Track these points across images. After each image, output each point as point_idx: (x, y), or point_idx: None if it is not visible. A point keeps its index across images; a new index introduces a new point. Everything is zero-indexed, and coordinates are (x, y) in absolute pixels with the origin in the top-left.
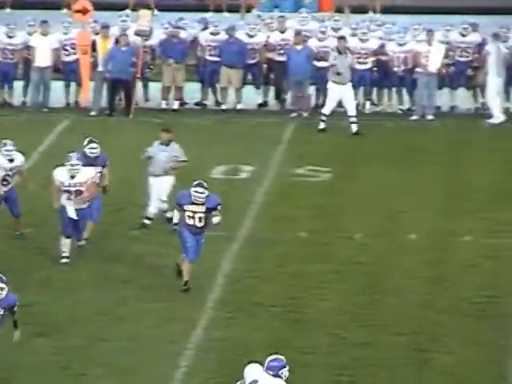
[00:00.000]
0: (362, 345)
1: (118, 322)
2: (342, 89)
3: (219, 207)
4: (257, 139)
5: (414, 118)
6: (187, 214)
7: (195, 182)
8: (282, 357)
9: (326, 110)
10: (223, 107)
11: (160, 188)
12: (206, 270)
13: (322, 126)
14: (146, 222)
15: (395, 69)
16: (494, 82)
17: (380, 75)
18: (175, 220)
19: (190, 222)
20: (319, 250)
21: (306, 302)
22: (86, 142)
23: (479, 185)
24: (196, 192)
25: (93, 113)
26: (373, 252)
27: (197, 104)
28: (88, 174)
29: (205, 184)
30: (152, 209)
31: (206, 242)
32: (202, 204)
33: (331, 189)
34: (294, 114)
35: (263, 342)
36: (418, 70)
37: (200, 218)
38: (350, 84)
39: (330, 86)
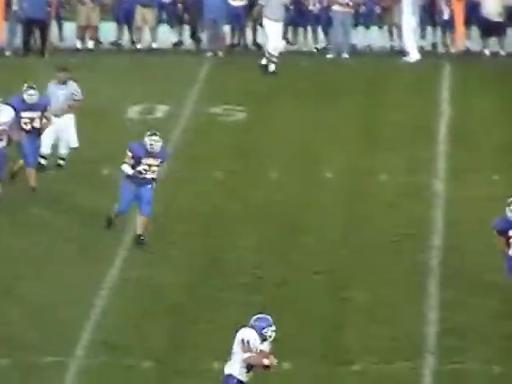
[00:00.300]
0: (279, 283)
1: (35, 261)
2: (275, 26)
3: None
4: (172, 78)
5: (329, 56)
6: (143, 167)
7: (149, 132)
8: (267, 316)
9: (270, 48)
10: (138, 46)
11: (61, 129)
12: None
13: (264, 61)
14: (42, 161)
15: (310, 7)
16: (409, 20)
17: (295, 13)
18: (129, 172)
19: (143, 175)
20: (236, 189)
21: (223, 241)
22: (24, 88)
23: (396, 123)
24: (153, 141)
25: (7, 53)
26: (289, 190)
27: (112, 43)
28: (10, 113)
29: (158, 133)
30: (45, 149)
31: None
32: (158, 156)
33: (247, 127)
34: (209, 54)
35: (180, 281)
36: (333, 8)
37: (154, 171)
38: (281, 22)
39: (266, 22)
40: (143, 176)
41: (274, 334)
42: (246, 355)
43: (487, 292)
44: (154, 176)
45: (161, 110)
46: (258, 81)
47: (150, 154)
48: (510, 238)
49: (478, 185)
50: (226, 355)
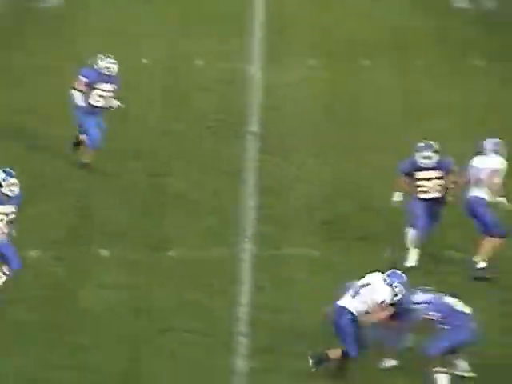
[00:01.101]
0: (98, 171)
1: None
2: None
3: None
4: None
5: None
6: (97, 92)
7: (103, 55)
8: (402, 274)
9: None
10: None
11: None
12: None
13: None
14: None
15: None
16: None
17: None
18: (81, 103)
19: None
20: (53, 76)
21: None
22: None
23: (211, 10)
24: (109, 63)
25: None
26: None
27: None
28: None
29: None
30: None
31: None
32: (112, 81)
33: (63, 16)
34: None
35: None
36: None
37: (108, 97)
38: None
39: None
40: (97, 105)
41: (401, 292)
42: (370, 317)
43: (306, 178)
44: (108, 104)
45: None
46: None
47: (104, 79)
48: None
49: (294, 69)
50: (45, 244)
